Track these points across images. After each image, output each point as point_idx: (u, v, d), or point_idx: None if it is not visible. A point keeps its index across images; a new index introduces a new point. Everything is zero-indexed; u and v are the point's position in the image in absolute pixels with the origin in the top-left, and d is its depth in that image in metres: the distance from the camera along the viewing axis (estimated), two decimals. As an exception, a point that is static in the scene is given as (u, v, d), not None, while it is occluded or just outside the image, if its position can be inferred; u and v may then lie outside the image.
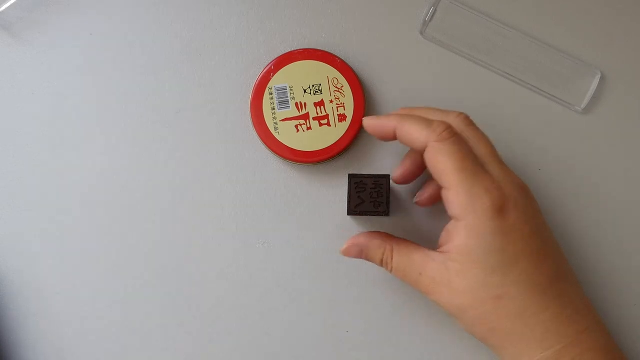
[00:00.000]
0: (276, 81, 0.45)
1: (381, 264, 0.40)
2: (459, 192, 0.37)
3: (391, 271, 0.40)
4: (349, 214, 0.40)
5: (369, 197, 0.39)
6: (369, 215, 0.40)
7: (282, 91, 0.45)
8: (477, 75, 0.46)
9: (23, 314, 0.45)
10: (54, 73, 0.46)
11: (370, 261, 0.41)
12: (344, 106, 0.45)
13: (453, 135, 0.37)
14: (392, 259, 0.40)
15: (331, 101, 0.45)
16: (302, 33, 0.46)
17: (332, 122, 0.45)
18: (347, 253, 0.41)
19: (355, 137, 0.45)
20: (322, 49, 0.46)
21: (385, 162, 0.46)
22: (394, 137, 0.40)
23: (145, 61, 0.46)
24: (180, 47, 0.46)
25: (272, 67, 0.45)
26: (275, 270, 0.45)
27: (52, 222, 0.45)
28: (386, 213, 0.39)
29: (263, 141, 0.45)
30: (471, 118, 0.40)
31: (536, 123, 0.46)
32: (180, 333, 0.45)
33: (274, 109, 0.45)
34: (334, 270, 0.45)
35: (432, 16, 0.46)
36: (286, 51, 0.46)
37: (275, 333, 0.45)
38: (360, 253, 0.41)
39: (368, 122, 0.41)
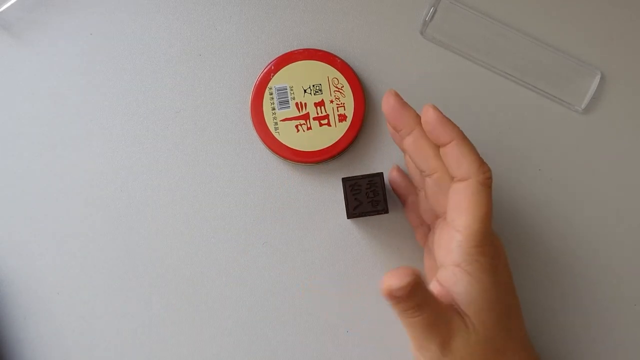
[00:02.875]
0: (276, 81, 0.45)
1: None
2: (471, 238, 0.36)
3: None
4: (348, 217, 0.40)
5: (366, 198, 0.40)
6: (369, 215, 0.40)
7: (282, 91, 0.45)
8: (477, 75, 0.46)
9: (23, 314, 0.45)
10: (54, 73, 0.46)
11: None
12: (344, 106, 0.45)
13: (491, 185, 0.37)
14: None
15: (331, 101, 0.45)
16: (302, 33, 0.46)
17: (332, 122, 0.45)
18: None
19: (356, 137, 0.45)
20: (322, 49, 0.46)
21: (386, 162, 0.46)
22: (402, 129, 0.38)
23: (145, 61, 0.46)
24: (180, 47, 0.46)
25: (272, 67, 0.45)
26: (275, 270, 0.45)
27: (52, 222, 0.45)
28: (385, 210, 0.39)
29: (263, 141, 0.45)
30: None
31: (536, 123, 0.46)
32: (179, 333, 0.45)
33: (274, 109, 0.45)
34: (334, 270, 0.45)
35: (432, 16, 0.46)
36: (286, 51, 0.46)
37: (276, 333, 0.45)
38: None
39: (394, 99, 0.38)
